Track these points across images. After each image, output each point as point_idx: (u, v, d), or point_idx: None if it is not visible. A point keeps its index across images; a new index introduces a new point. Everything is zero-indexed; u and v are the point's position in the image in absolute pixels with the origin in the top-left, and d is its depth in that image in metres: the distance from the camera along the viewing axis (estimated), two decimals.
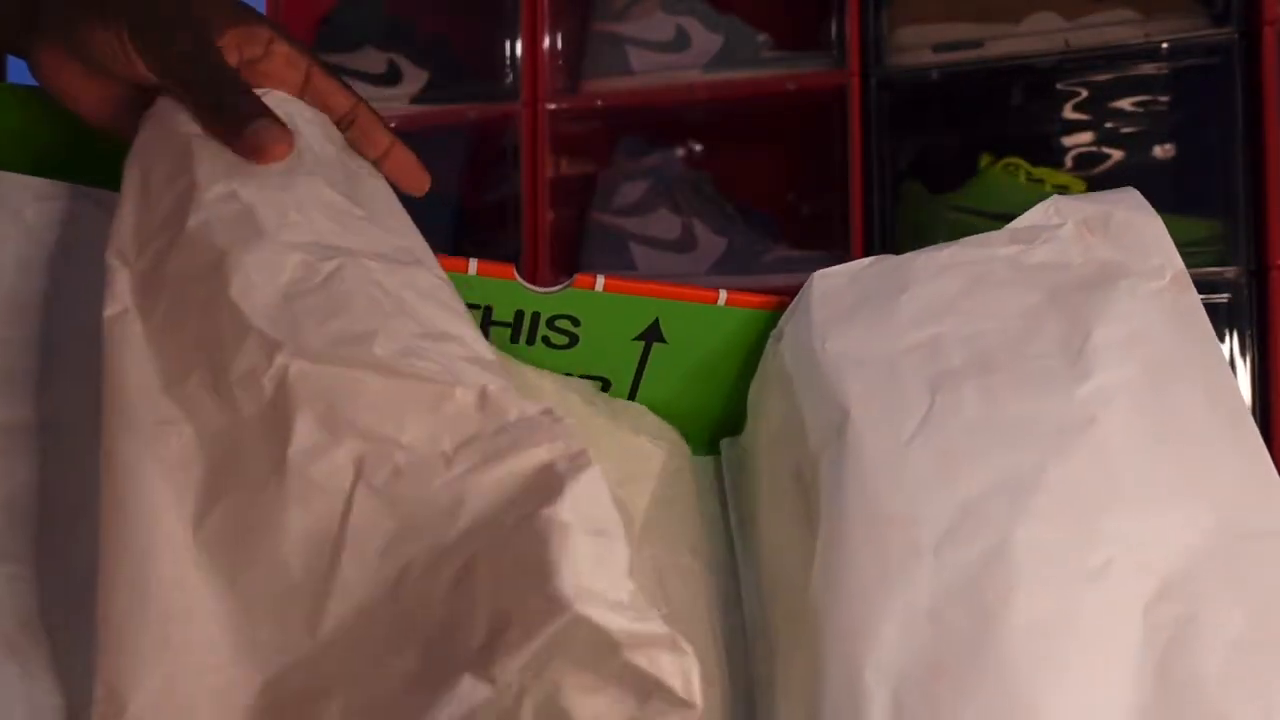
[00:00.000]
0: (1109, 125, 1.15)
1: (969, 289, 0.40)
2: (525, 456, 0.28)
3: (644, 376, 0.50)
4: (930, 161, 1.13)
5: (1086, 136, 1.15)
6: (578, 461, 0.28)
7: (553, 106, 1.16)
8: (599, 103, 1.16)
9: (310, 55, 0.41)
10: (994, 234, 0.42)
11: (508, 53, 1.17)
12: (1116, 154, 1.15)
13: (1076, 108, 1.14)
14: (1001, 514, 0.33)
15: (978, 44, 1.03)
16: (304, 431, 0.29)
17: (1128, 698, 0.30)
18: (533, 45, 1.16)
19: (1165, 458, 0.35)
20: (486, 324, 0.48)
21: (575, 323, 0.48)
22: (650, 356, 0.49)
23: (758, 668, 0.40)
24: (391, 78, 1.24)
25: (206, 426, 0.30)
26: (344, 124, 0.43)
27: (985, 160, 1.06)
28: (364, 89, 1.29)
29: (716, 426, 0.51)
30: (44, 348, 0.36)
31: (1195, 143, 1.11)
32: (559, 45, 1.18)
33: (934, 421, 0.36)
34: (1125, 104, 1.13)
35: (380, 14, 1.29)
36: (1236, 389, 0.38)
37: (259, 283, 0.31)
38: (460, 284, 0.43)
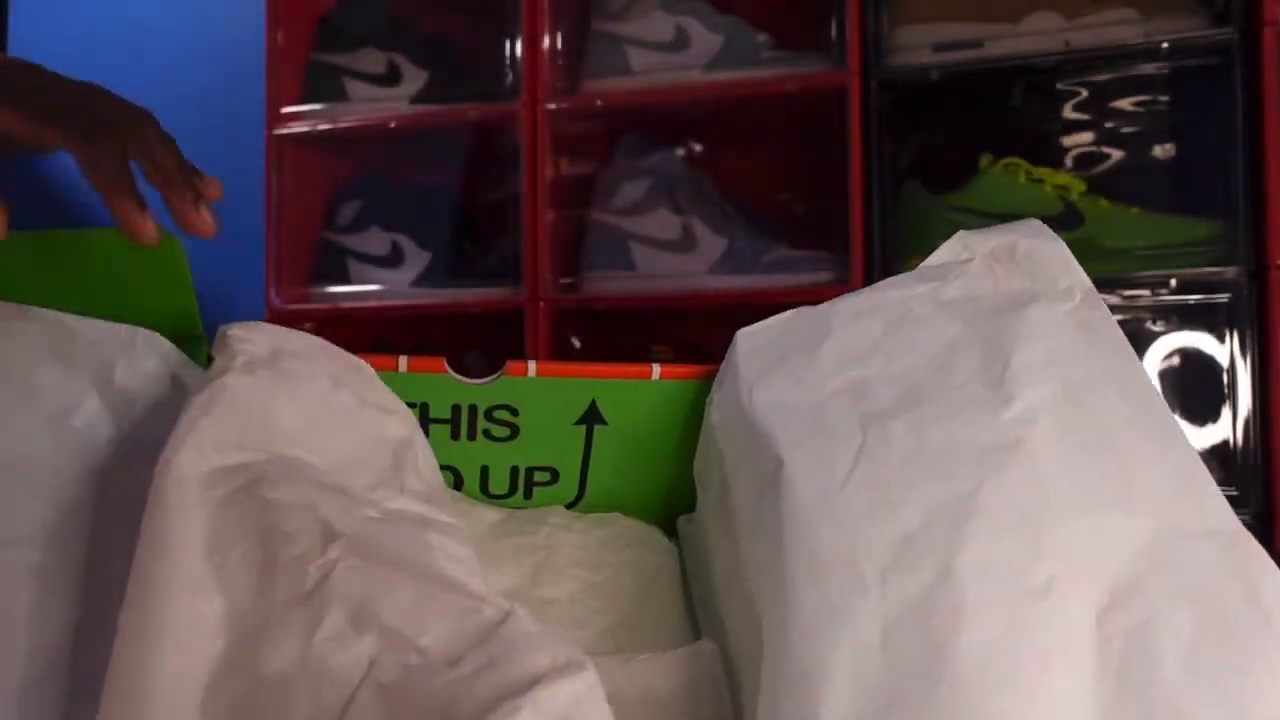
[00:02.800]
0: (1109, 125, 1.15)
1: (888, 330, 0.41)
2: (525, 664, 0.29)
3: (591, 462, 0.50)
4: (930, 161, 1.13)
5: (1087, 136, 1.15)
6: (573, 669, 0.28)
7: (553, 106, 1.16)
8: (599, 103, 1.16)
9: (172, 148, 0.44)
10: (906, 275, 0.44)
11: (508, 53, 1.17)
12: (1116, 154, 1.15)
13: (1076, 108, 1.14)
14: (942, 541, 0.33)
15: (978, 44, 1.03)
16: (333, 623, 0.30)
17: (1089, 709, 0.29)
18: (533, 45, 1.16)
19: (1096, 469, 0.35)
20: (425, 421, 0.48)
21: (514, 412, 0.48)
22: (594, 440, 0.49)
23: None
24: (391, 78, 1.24)
25: (239, 602, 0.31)
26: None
27: (985, 160, 1.06)
28: (364, 89, 1.30)
29: (672, 505, 0.51)
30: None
31: (1195, 142, 1.11)
32: (559, 45, 1.18)
33: (866, 459, 0.36)
34: (1125, 104, 1.13)
35: (380, 14, 1.28)
36: (1157, 396, 0.38)
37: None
38: (392, 382, 0.44)
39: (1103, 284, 1.02)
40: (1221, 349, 1.00)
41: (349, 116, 1.23)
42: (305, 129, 1.24)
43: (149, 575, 0.31)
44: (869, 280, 1.04)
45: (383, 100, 1.23)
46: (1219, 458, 1.00)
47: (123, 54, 1.61)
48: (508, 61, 1.17)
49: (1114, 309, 1.11)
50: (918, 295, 0.42)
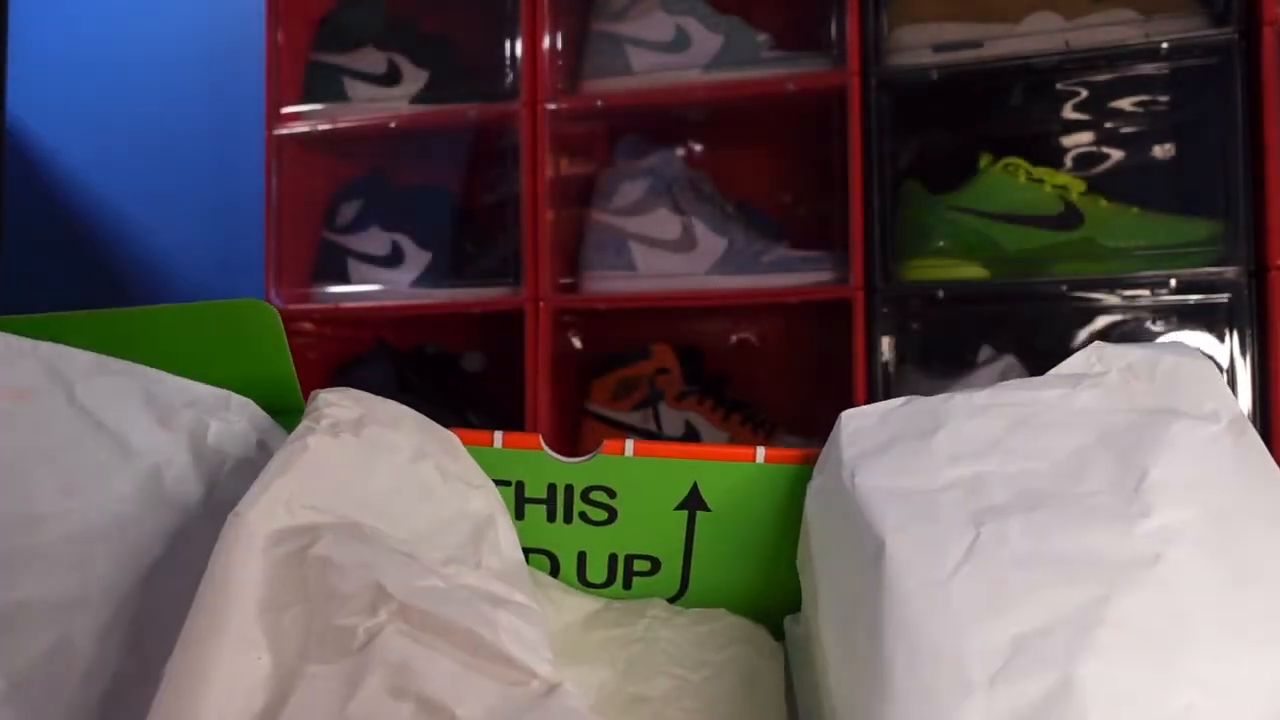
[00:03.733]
0: (1109, 125, 1.15)
1: (1011, 429, 0.39)
2: None
3: (694, 552, 0.47)
4: (930, 161, 1.13)
5: (1087, 136, 1.15)
6: None
7: (552, 106, 1.16)
8: (599, 103, 1.16)
9: None
10: (1034, 379, 0.41)
11: (508, 53, 1.17)
12: (1117, 154, 1.15)
13: (1076, 108, 1.14)
14: (1061, 649, 0.30)
15: (978, 44, 1.03)
16: (370, 692, 0.29)
17: None
18: (533, 45, 1.16)
19: (1243, 601, 0.32)
20: (520, 501, 0.46)
21: (611, 494, 0.46)
22: (696, 527, 0.46)
23: None
24: (391, 78, 1.24)
25: (286, 663, 0.30)
26: None
27: (985, 160, 1.06)
28: (364, 89, 1.30)
29: (781, 602, 0.47)
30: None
31: (1195, 142, 1.11)
32: (559, 45, 1.18)
33: (978, 554, 0.34)
34: (1125, 104, 1.13)
35: (380, 14, 1.28)
36: None
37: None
38: (485, 458, 0.43)
39: (1103, 284, 1.02)
40: (1221, 349, 1.00)
41: (349, 116, 1.23)
42: (305, 129, 1.24)
43: (202, 627, 0.30)
44: (869, 280, 1.04)
45: (383, 100, 1.23)
46: None
47: (122, 54, 1.61)
48: (508, 61, 1.17)
49: (1114, 309, 1.11)
50: (1044, 399, 0.40)
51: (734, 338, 1.27)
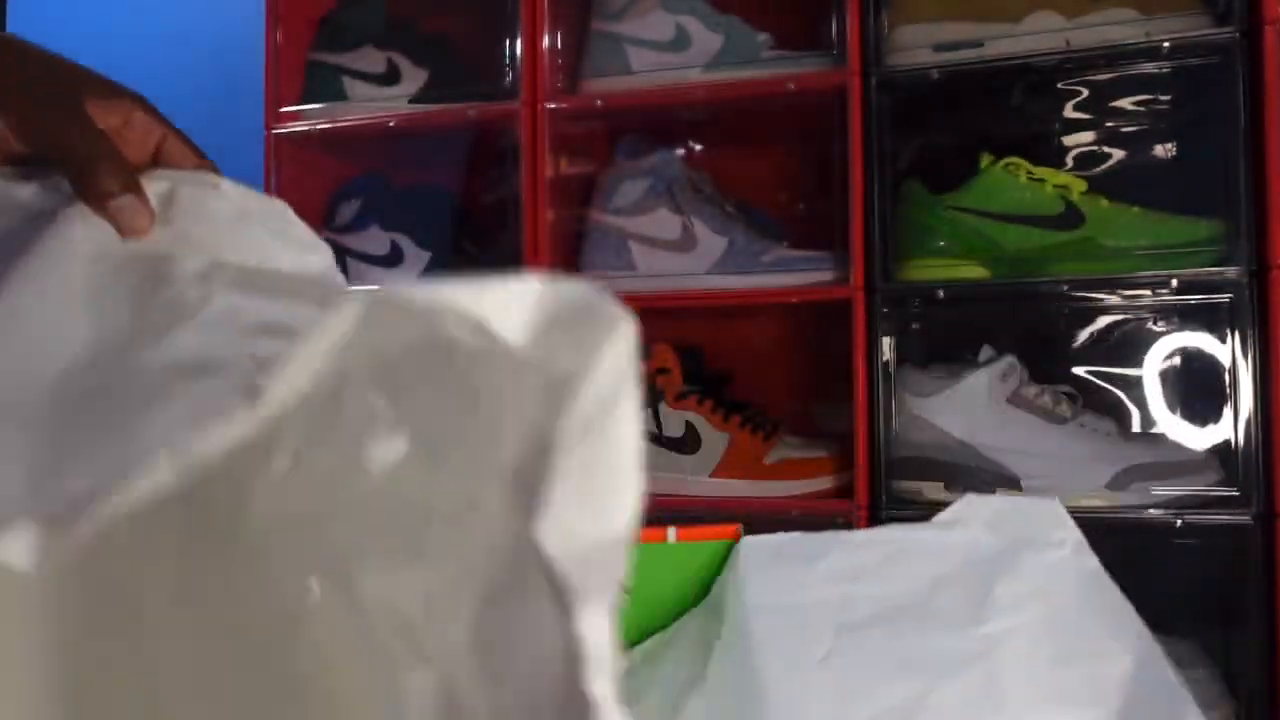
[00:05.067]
0: (1110, 125, 1.15)
1: (884, 560, 0.46)
2: None
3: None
4: (930, 161, 1.13)
5: (1087, 136, 1.15)
6: None
7: (552, 106, 1.16)
8: (599, 103, 1.16)
9: (164, 122, 0.45)
10: (914, 524, 0.48)
11: (507, 52, 1.17)
12: (1118, 153, 1.14)
13: (1077, 107, 1.14)
14: None
15: (978, 44, 1.03)
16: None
17: None
18: (533, 45, 1.16)
19: (1065, 675, 0.39)
20: None
21: None
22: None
23: None
24: (391, 78, 1.24)
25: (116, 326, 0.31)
26: None
27: (986, 160, 1.06)
28: (364, 89, 1.30)
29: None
30: None
31: (1196, 142, 1.11)
32: (559, 45, 1.18)
33: (836, 656, 0.41)
34: (1126, 103, 1.13)
35: (380, 14, 1.28)
36: (1143, 631, 0.41)
37: None
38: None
39: (1103, 284, 1.02)
40: (1223, 349, 1.00)
41: (349, 116, 1.23)
42: (305, 129, 1.24)
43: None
44: (869, 280, 1.04)
45: (382, 100, 1.23)
46: (1220, 458, 1.00)
47: (122, 54, 1.61)
48: (508, 61, 1.17)
49: (1114, 309, 1.11)
50: (918, 538, 0.47)
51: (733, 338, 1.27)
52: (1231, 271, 0.95)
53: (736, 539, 0.49)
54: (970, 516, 0.48)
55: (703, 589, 0.50)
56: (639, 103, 1.16)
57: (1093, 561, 0.45)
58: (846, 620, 0.42)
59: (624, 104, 1.16)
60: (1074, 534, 0.46)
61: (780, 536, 0.48)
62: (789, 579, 0.45)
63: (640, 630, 0.50)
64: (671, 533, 0.49)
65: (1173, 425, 1.09)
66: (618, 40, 1.16)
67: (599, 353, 0.23)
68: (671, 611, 0.51)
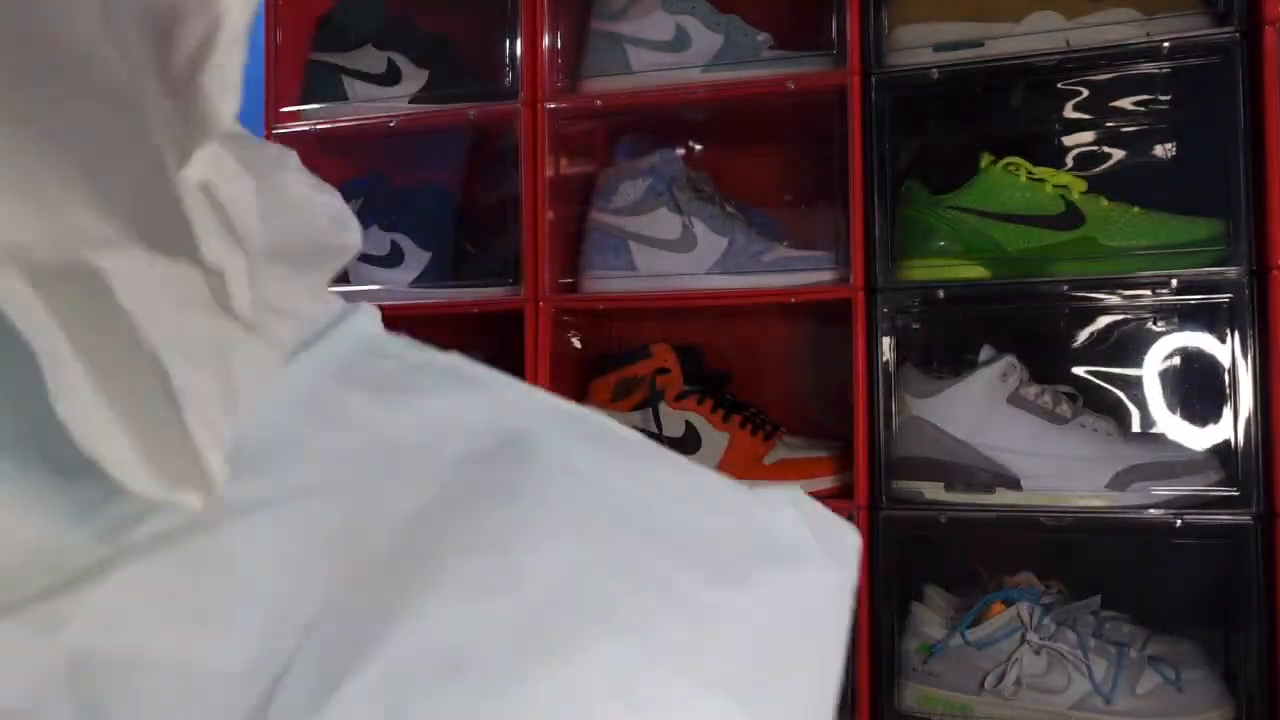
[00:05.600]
0: (1110, 125, 1.15)
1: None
2: None
3: None
4: (930, 161, 1.13)
5: (1087, 136, 1.15)
6: None
7: (552, 106, 1.16)
8: (599, 102, 1.16)
9: None
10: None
11: (507, 52, 1.17)
12: (1118, 153, 1.14)
13: (1077, 107, 1.14)
14: None
15: (978, 43, 1.03)
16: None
17: None
18: (532, 45, 1.16)
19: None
20: None
21: None
22: None
23: None
24: (391, 77, 1.24)
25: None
26: None
27: (986, 160, 1.06)
28: (364, 89, 1.29)
29: None
30: None
31: (1196, 142, 1.11)
32: (559, 45, 1.18)
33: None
34: (1126, 103, 1.13)
35: (380, 14, 1.28)
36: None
37: None
38: None
39: (1103, 284, 1.02)
40: (1223, 349, 1.00)
41: (349, 116, 1.23)
42: (305, 129, 1.24)
43: None
44: (869, 280, 1.04)
45: (382, 100, 1.23)
46: (1220, 458, 1.00)
47: None
48: (507, 61, 1.17)
49: (1114, 309, 1.11)
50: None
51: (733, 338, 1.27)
52: (1231, 272, 0.95)
53: None
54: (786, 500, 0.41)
55: None
56: (639, 103, 1.16)
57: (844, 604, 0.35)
58: None
59: (624, 104, 1.16)
60: (851, 574, 0.36)
61: None
62: None
63: None
64: None
65: (1173, 425, 1.09)
66: (617, 40, 1.16)
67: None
68: None
